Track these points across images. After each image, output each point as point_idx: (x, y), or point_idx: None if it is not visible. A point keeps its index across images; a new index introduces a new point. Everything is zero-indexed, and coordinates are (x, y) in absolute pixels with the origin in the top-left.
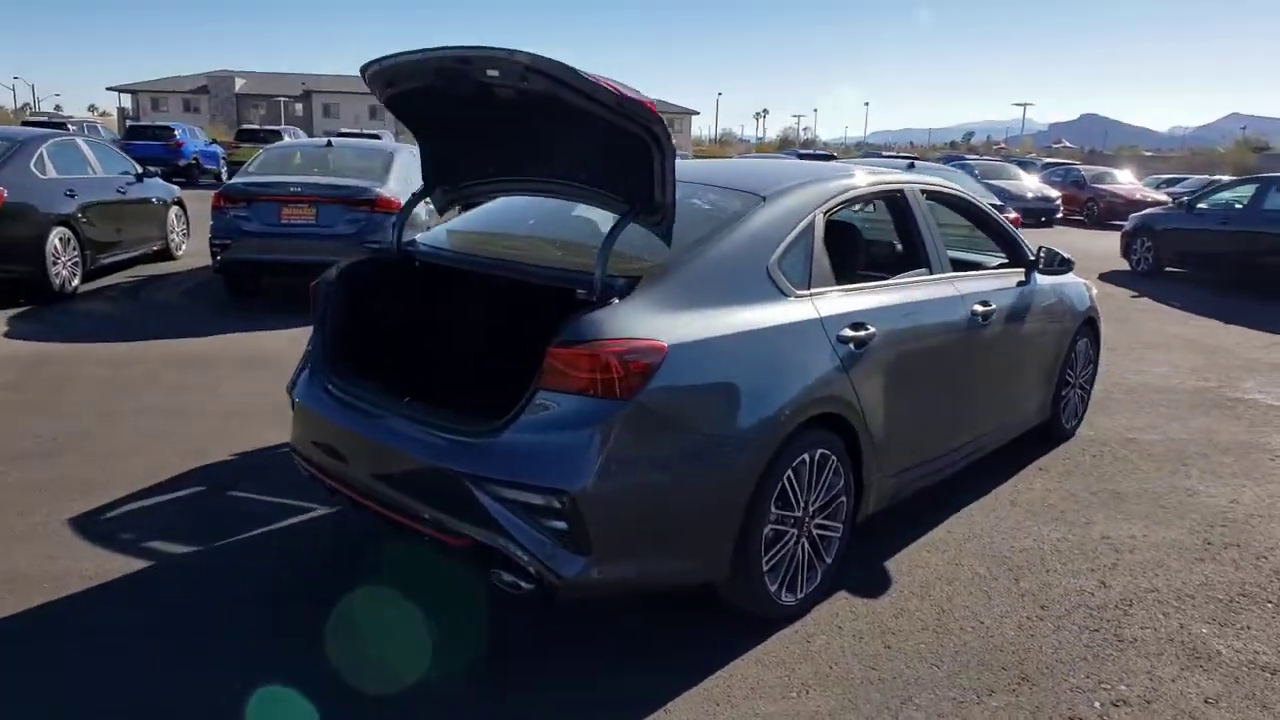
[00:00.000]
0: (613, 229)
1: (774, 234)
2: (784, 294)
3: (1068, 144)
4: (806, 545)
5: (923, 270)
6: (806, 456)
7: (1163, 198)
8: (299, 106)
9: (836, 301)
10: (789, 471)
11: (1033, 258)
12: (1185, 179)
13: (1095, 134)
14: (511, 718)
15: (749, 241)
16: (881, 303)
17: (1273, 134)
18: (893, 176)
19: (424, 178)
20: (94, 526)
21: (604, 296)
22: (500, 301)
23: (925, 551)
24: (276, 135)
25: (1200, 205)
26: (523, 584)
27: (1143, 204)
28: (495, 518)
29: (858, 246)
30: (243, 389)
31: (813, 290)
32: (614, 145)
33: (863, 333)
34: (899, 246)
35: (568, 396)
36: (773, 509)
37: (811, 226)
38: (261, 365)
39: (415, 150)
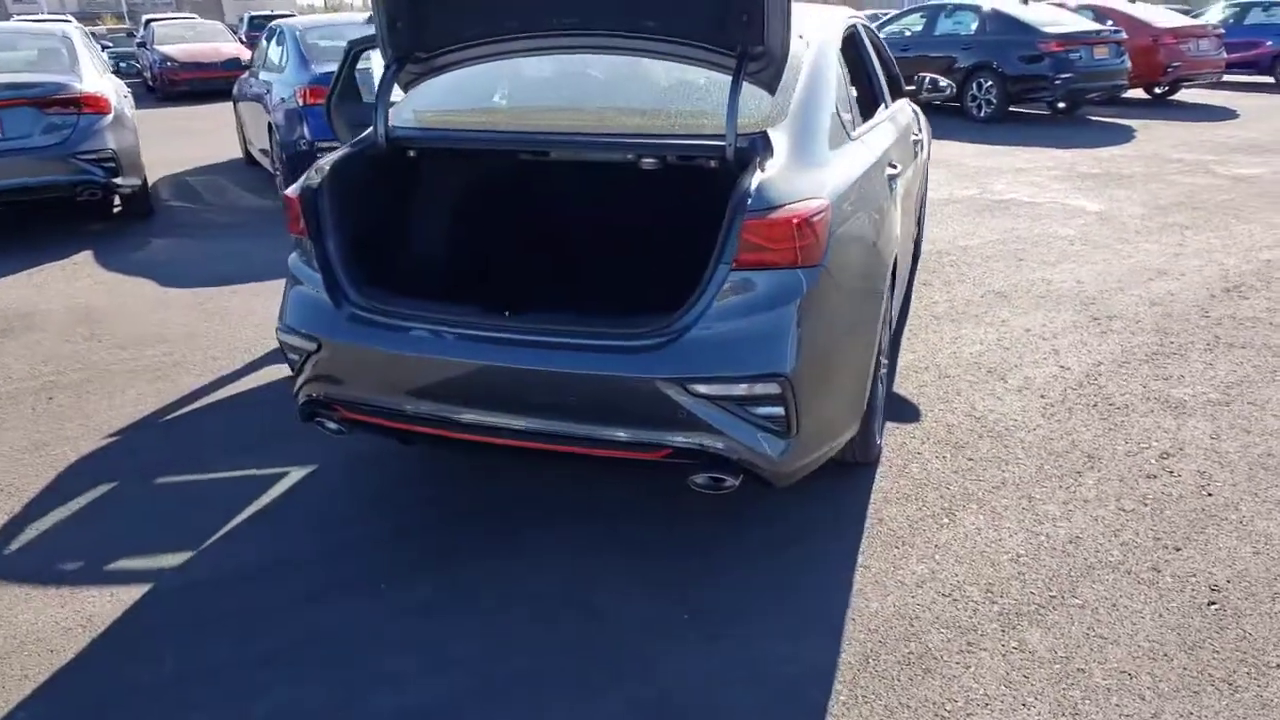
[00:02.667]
0: (735, 81)
1: (829, 74)
2: (849, 136)
3: None
4: (882, 384)
5: (881, 106)
6: (888, 293)
7: None
8: None
9: (873, 141)
10: None
11: (912, 86)
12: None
13: None
14: (721, 588)
15: (819, 84)
16: (887, 139)
17: None
18: (847, 12)
19: (389, 44)
20: None
21: (741, 159)
22: (567, 185)
23: (913, 374)
24: None
25: (883, 32)
26: (728, 480)
27: None
28: (701, 418)
29: (859, 83)
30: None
31: (857, 131)
32: None
33: (894, 170)
34: (857, 85)
35: (762, 273)
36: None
37: (842, 64)
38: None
39: (88, 33)
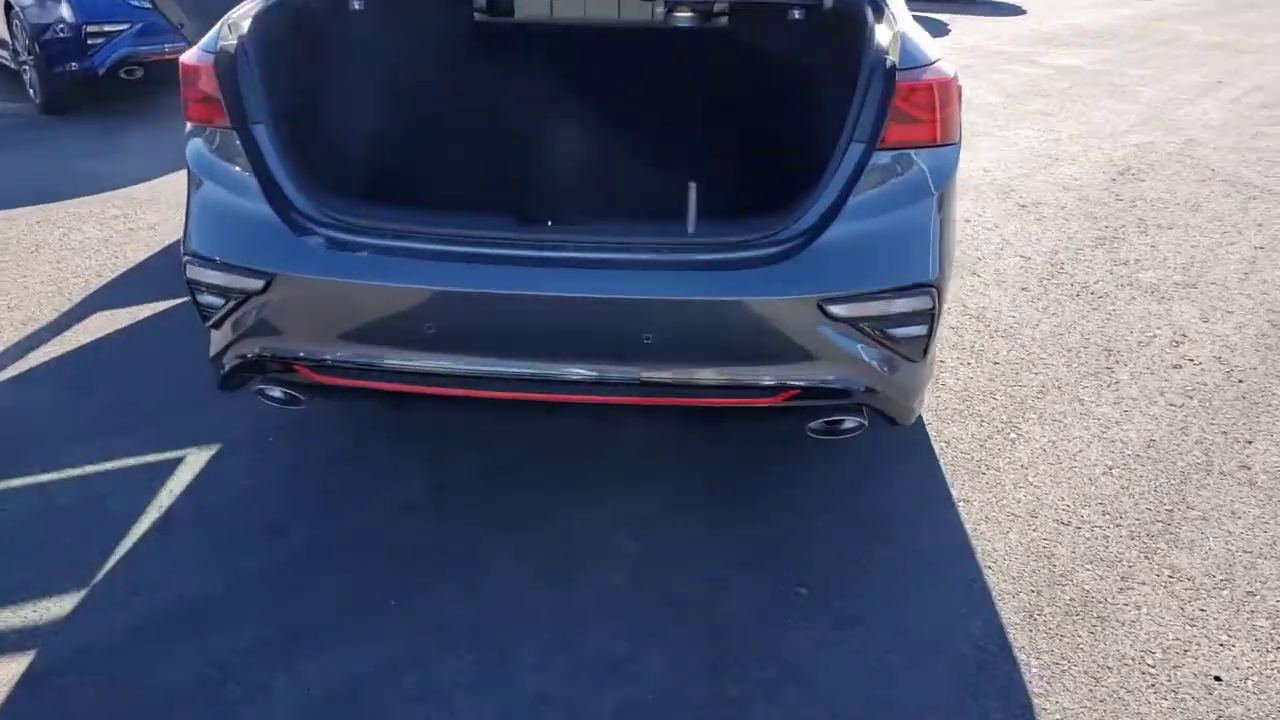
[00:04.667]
0: None
1: None
2: None
3: None
4: None
5: None
6: None
7: None
8: None
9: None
10: None
11: None
12: None
13: None
14: (818, 557)
15: None
16: None
17: None
18: None
19: None
20: None
21: (843, 6)
22: (581, 46)
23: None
24: None
25: None
26: (849, 423)
27: None
28: (838, 347)
29: None
30: None
31: None
32: None
33: None
34: None
35: (905, 154)
36: None
37: None
38: None
39: None
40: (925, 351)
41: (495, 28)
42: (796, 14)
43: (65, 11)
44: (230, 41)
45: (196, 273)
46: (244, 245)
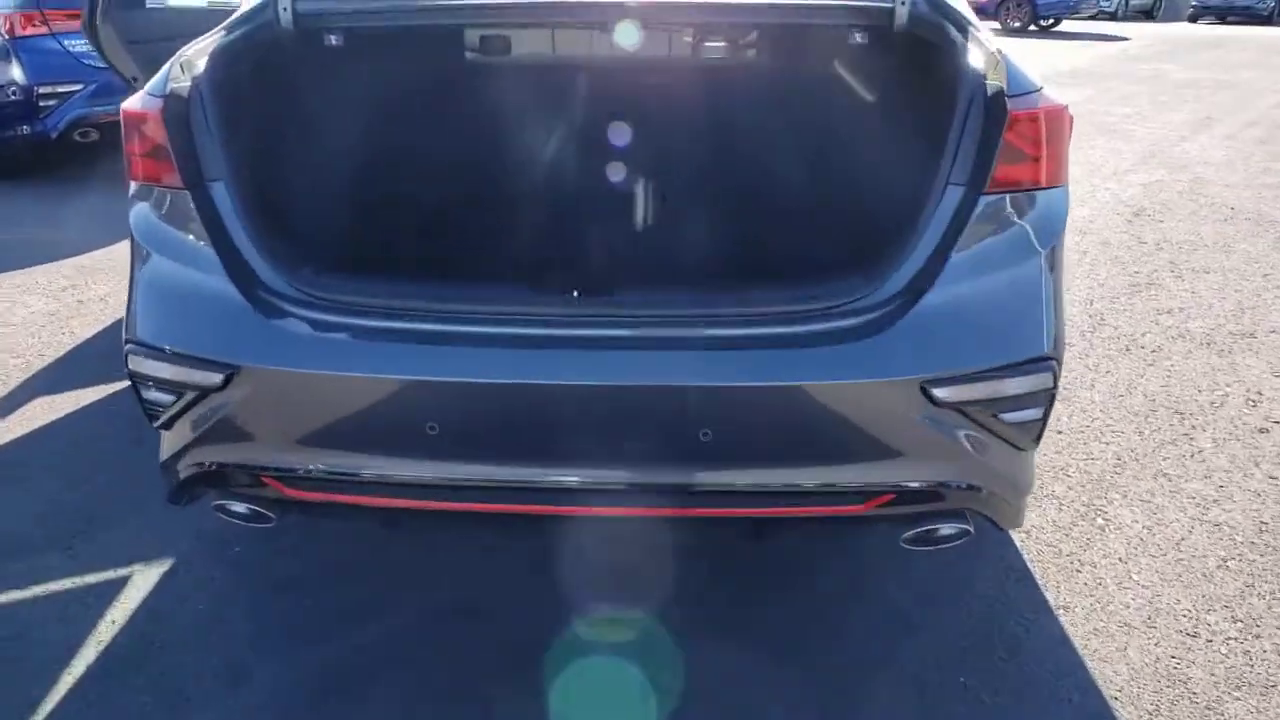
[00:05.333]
0: None
1: None
2: None
3: None
4: None
5: None
6: None
7: None
8: None
9: None
10: None
11: None
12: None
13: None
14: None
15: None
16: None
17: None
18: None
19: None
20: None
21: (919, 22)
22: (592, 87)
23: None
24: None
25: None
26: (950, 528)
27: None
28: (940, 437)
29: None
30: None
31: None
32: None
33: None
34: None
35: (1014, 197)
36: None
37: None
38: None
39: None
40: (1038, 438)
41: (493, 67)
42: (858, 38)
43: (16, 72)
44: (182, 83)
45: (140, 364)
46: (198, 330)
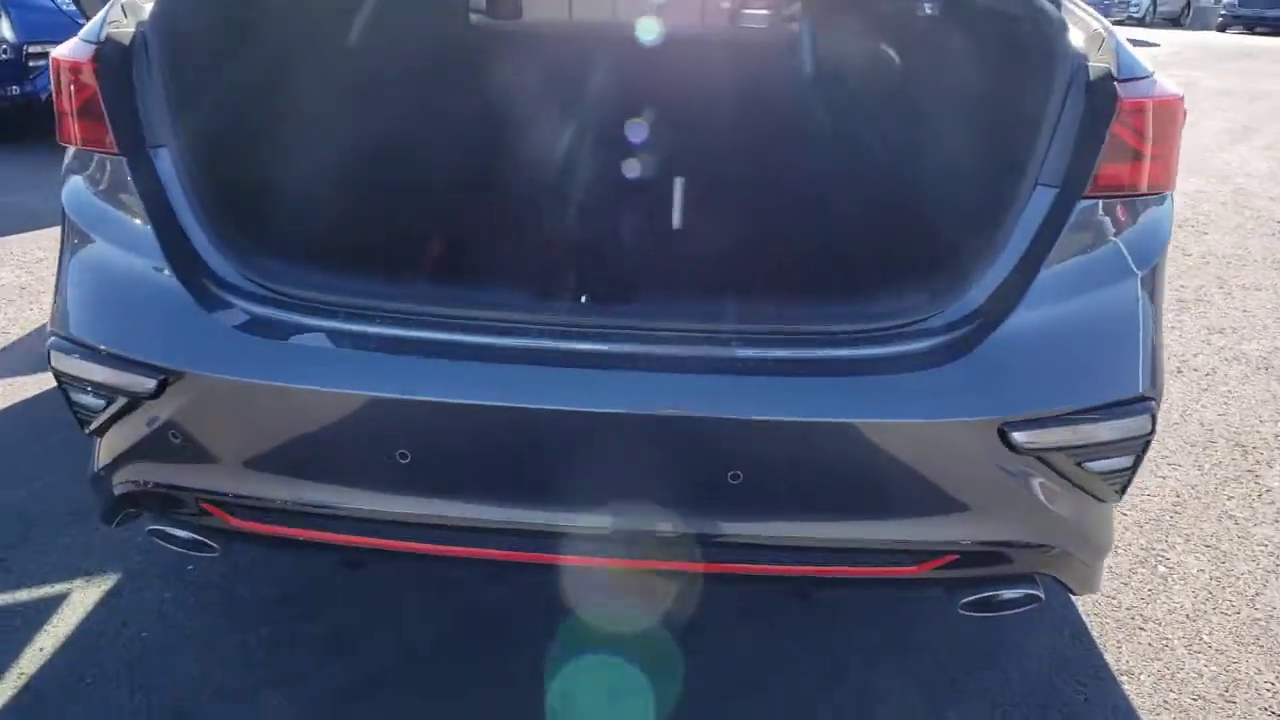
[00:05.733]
0: None
1: None
2: None
3: None
4: None
5: None
6: None
7: None
8: None
9: None
10: None
11: None
12: None
13: None
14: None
15: None
16: None
17: None
18: None
19: None
20: None
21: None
22: (599, 60)
23: None
24: None
25: None
26: (1015, 592)
27: None
28: (1015, 489)
29: None
30: None
31: None
32: None
33: None
34: None
35: (1115, 203)
36: None
37: None
38: None
39: None
40: (1124, 490)
41: (499, 32)
42: (928, 8)
43: (5, 30)
44: (124, 27)
45: (63, 362)
46: (130, 326)
